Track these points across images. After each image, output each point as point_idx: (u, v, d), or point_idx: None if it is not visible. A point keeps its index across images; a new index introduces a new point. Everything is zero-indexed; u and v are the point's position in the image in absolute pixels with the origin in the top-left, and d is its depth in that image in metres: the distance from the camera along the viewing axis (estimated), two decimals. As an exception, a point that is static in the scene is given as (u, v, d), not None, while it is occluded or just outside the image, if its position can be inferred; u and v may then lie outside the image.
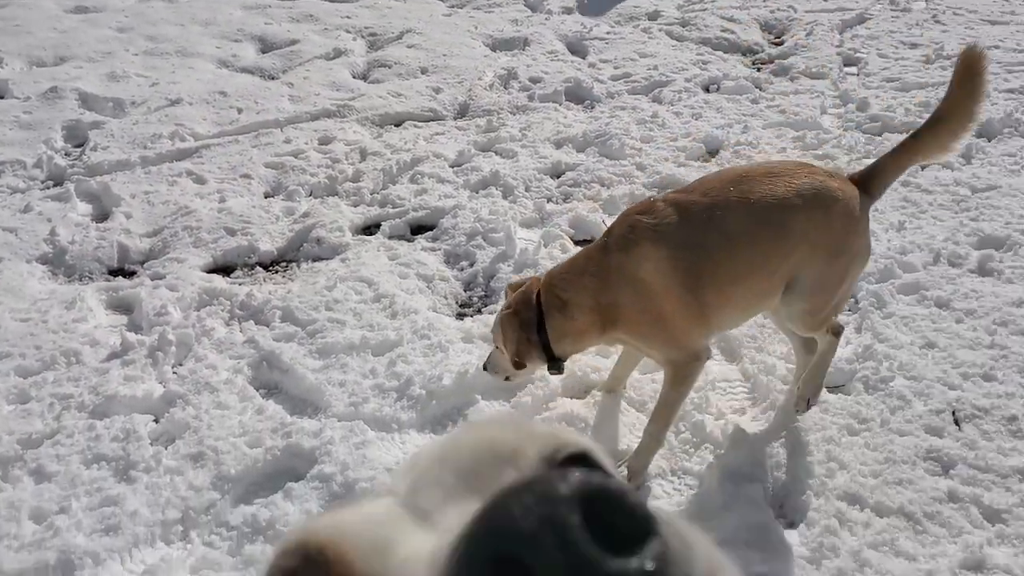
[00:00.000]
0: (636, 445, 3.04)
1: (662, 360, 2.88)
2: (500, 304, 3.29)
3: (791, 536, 2.80)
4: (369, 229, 4.79)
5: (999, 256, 4.21)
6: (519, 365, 2.89)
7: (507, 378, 3.10)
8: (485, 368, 3.12)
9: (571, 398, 3.41)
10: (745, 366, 3.58)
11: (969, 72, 2.66)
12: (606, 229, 2.92)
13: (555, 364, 2.91)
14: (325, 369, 3.55)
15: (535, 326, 2.81)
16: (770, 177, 2.69)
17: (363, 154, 5.48)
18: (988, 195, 4.76)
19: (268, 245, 4.53)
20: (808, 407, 3.18)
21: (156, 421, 3.30)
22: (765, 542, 2.75)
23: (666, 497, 2.98)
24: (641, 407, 3.35)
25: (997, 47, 7.10)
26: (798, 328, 3.02)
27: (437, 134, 5.89)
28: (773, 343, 3.65)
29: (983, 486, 2.95)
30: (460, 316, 4.03)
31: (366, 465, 3.03)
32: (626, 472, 2.98)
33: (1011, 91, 6.41)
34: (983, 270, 4.13)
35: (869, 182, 2.82)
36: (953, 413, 3.27)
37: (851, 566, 2.67)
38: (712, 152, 5.54)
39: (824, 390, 3.27)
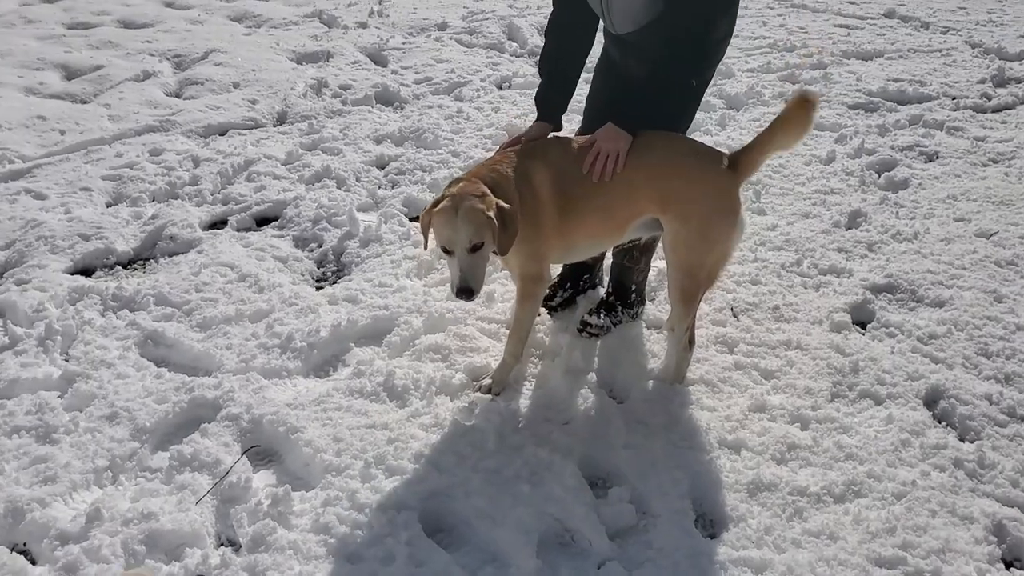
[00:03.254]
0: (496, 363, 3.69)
1: (517, 274, 3.52)
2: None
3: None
4: (217, 225, 5.18)
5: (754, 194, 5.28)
6: (507, 245, 3.18)
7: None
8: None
9: (430, 334, 4.00)
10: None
11: (800, 110, 3.19)
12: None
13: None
14: (209, 338, 3.97)
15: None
16: (644, 138, 3.33)
17: (196, 161, 5.84)
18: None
19: (124, 246, 4.82)
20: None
21: (61, 396, 3.58)
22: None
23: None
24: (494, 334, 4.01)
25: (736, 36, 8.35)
26: (672, 292, 3.48)
27: (262, 139, 6.32)
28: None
29: (758, 356, 3.84)
30: (319, 288, 4.54)
31: (268, 404, 3.50)
32: (489, 383, 3.62)
33: (751, 70, 7.67)
34: (750, 208, 5.16)
35: (738, 160, 3.32)
36: (731, 309, 4.17)
37: (671, 421, 3.45)
38: (514, 137, 6.30)
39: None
